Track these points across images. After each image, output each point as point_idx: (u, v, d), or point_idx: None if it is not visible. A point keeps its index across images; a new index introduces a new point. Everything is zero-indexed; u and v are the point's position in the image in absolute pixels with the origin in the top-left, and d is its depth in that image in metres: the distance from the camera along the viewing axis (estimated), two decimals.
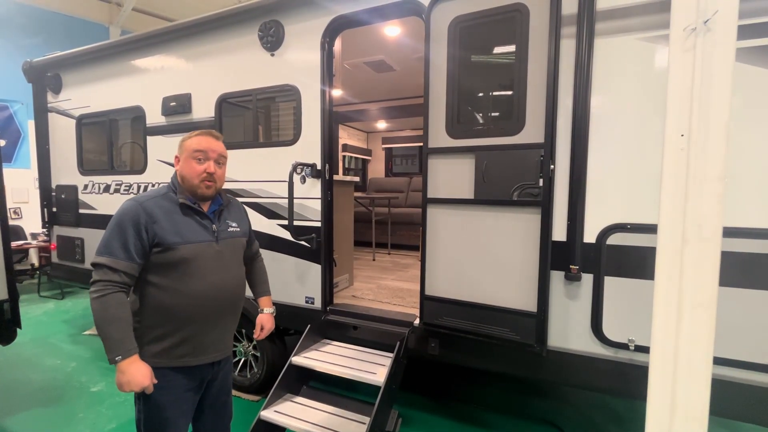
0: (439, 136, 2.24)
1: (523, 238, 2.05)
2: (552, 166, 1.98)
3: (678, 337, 1.37)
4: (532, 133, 2.01)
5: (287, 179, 2.58)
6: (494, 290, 2.14)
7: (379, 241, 5.17)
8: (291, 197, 2.57)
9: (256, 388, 3.08)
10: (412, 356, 2.52)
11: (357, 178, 3.58)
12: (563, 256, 2.02)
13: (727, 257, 1.45)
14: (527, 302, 2.05)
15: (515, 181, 2.05)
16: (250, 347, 3.18)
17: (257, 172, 2.95)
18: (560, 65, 1.96)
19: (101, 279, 1.33)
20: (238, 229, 1.63)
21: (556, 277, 2.05)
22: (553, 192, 2.01)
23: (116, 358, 1.31)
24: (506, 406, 3.03)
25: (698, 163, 1.32)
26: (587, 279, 2.00)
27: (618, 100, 1.91)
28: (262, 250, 2.88)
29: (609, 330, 1.96)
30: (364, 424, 2.00)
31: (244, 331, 3.18)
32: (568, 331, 2.06)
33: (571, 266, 1.99)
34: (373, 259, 4.77)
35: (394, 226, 5.31)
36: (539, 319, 2.02)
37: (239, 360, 3.21)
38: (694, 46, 1.33)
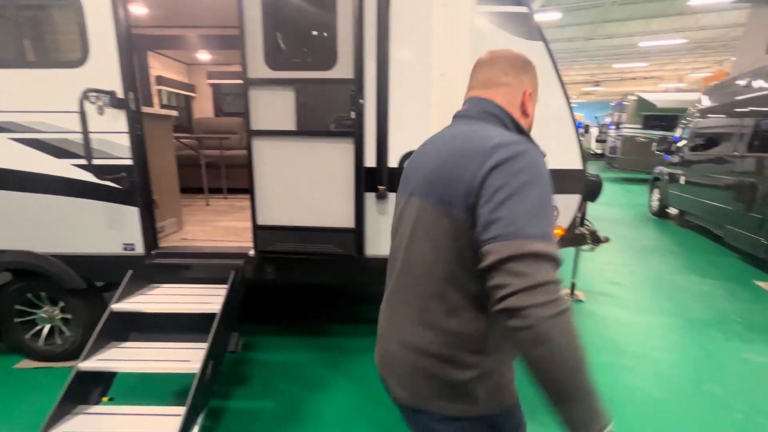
0: (259, 67, 2.24)
1: (341, 165, 2.34)
2: (361, 101, 2.26)
3: None
4: (343, 69, 2.22)
5: (78, 109, 2.19)
6: (320, 213, 2.41)
7: (213, 186, 4.88)
8: (85, 131, 2.21)
9: (74, 353, 2.75)
10: (252, 284, 2.67)
11: (175, 113, 3.22)
12: (374, 180, 2.40)
13: None
14: (347, 220, 2.40)
15: (331, 113, 2.27)
16: (57, 311, 2.76)
17: (30, 99, 2.37)
18: (365, 9, 2.18)
19: (556, 281, 0.72)
20: None
21: (370, 197, 2.44)
22: (364, 124, 2.31)
23: (609, 428, 0.73)
24: (347, 316, 3.54)
25: (454, 97, 1.76)
26: (392, 197, 2.45)
27: (408, 45, 2.25)
28: (55, 198, 2.46)
29: None
30: (204, 349, 2.09)
31: (43, 294, 2.72)
32: (381, 240, 2.52)
33: (379, 187, 2.40)
34: (207, 204, 4.53)
35: (229, 169, 5.04)
36: (357, 233, 2.41)
37: (41, 328, 2.78)
38: (452, 1, 1.71)
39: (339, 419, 2.24)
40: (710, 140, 6.08)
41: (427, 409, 0.92)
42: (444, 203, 0.85)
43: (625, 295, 4.11)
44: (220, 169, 4.91)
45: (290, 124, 2.29)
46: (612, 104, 15.90)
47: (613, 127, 15.71)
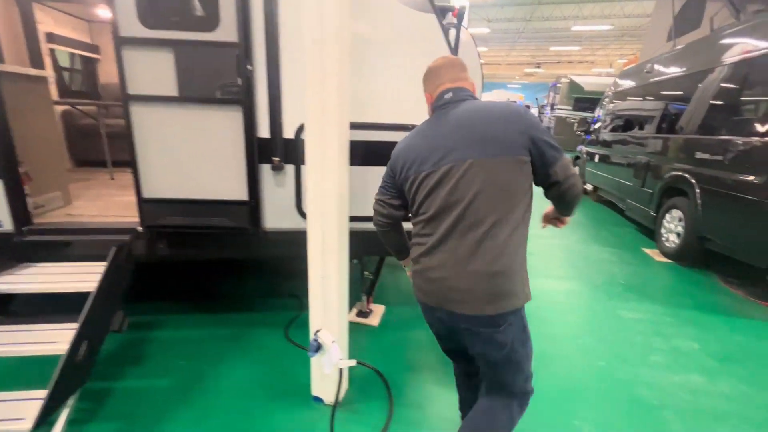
0: (132, 25, 2.05)
1: (230, 135, 2.24)
2: (249, 67, 2.16)
3: (324, 199, 1.88)
4: (227, 31, 2.09)
5: None
6: (210, 185, 2.31)
7: (121, 159, 4.48)
8: None
9: None
10: (144, 261, 2.53)
11: (50, 73, 2.87)
12: (269, 151, 2.33)
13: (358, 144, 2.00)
14: (240, 192, 2.33)
15: (216, 79, 2.14)
16: None
17: None
18: None
19: None
20: None
21: (266, 169, 2.37)
22: (254, 92, 2.21)
23: None
24: (259, 291, 3.50)
25: (330, 67, 1.73)
26: (290, 168, 2.40)
27: (294, 9, 2.15)
28: None
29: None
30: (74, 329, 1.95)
31: None
32: (280, 213, 2.47)
33: (273, 159, 2.33)
34: (112, 179, 4.18)
35: None
36: (251, 205, 2.35)
37: None
38: None
39: (236, 392, 2.24)
40: (618, 121, 6.61)
41: (503, 312, 1.29)
42: (505, 153, 1.26)
43: (535, 263, 4.44)
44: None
45: (172, 90, 2.13)
46: (550, 86, 16.65)
47: (549, 107, 16.50)
